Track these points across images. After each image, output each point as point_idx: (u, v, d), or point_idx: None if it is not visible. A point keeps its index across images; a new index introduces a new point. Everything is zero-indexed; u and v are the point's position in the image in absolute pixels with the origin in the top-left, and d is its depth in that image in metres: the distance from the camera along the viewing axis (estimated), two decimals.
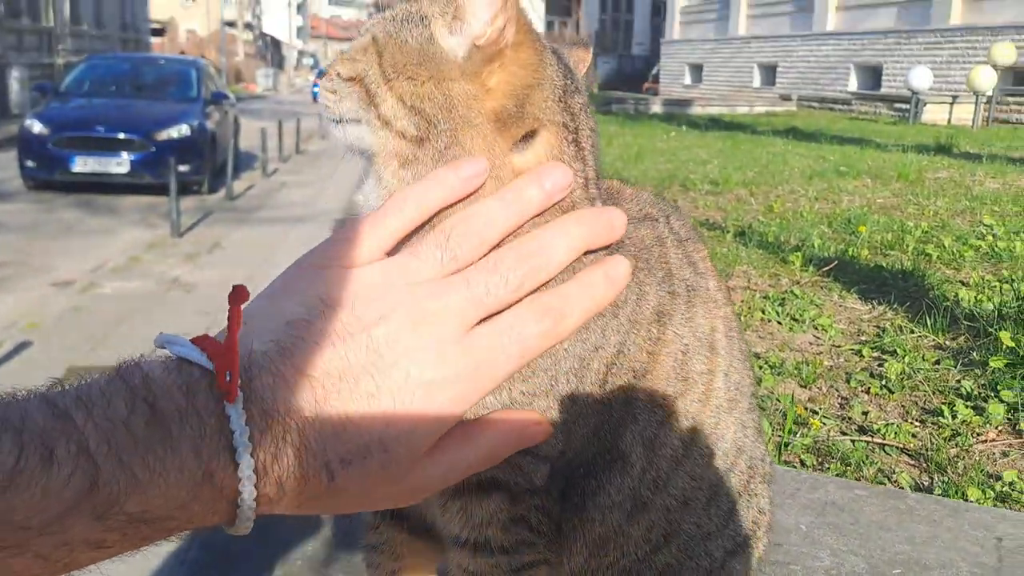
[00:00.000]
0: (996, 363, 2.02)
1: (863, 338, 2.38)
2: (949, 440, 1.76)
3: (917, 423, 1.86)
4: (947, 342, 2.28)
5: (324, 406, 0.56)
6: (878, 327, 2.47)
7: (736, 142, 8.70)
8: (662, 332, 0.70)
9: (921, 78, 12.69)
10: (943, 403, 1.91)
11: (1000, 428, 1.81)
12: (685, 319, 0.70)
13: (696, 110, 15.22)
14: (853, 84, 16.68)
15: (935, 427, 1.82)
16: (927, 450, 1.71)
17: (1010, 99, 12.90)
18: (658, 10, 25.75)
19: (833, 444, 1.75)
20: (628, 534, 0.72)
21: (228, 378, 0.53)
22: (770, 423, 1.83)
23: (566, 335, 0.63)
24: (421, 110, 0.62)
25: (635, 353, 0.67)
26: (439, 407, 0.60)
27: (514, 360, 0.62)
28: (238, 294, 0.60)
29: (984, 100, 12.04)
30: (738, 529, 0.77)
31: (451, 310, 0.60)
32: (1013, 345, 2.05)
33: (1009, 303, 2.31)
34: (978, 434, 1.79)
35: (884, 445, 1.77)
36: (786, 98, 16.97)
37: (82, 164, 7.60)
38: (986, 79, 11.68)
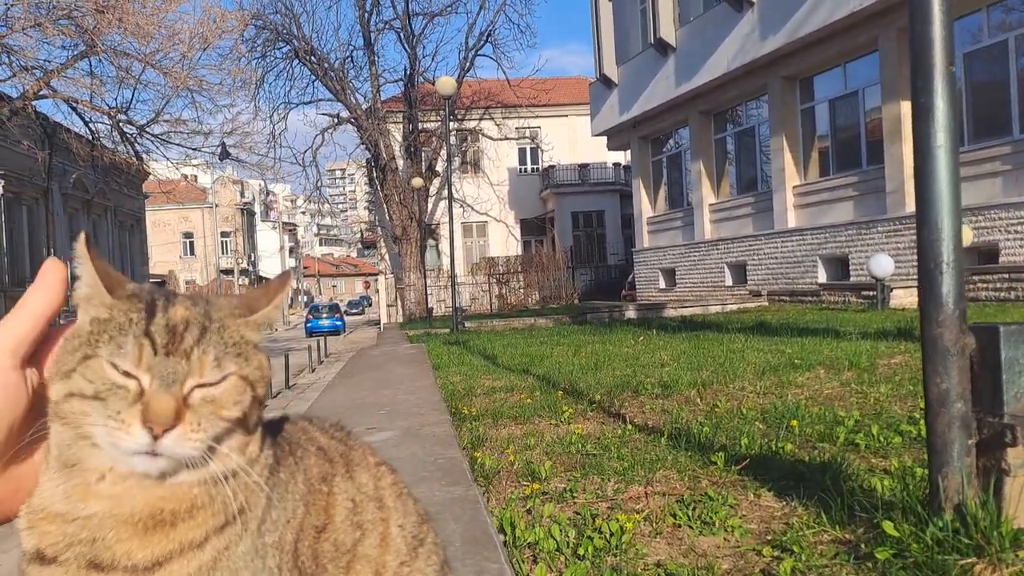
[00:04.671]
0: (882, 555, 2.03)
1: (768, 537, 2.40)
2: None
3: None
4: (847, 535, 2.30)
5: None
6: (786, 523, 2.49)
7: (699, 342, 8.97)
8: (330, 489, 0.85)
9: (881, 266, 13.28)
10: None
11: None
12: (346, 477, 0.88)
13: (669, 312, 15.78)
14: (822, 276, 17.32)
15: None
16: None
17: (975, 278, 13.36)
18: (628, 222, 27.46)
19: None
20: None
21: None
22: None
23: None
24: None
25: (316, 513, 0.82)
26: None
27: None
28: None
29: None
30: None
31: None
32: (897, 535, 2.08)
33: (897, 489, 2.36)
34: None
35: None
36: (757, 294, 17.62)
37: None
38: None
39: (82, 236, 0.78)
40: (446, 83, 15.00)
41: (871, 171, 16.05)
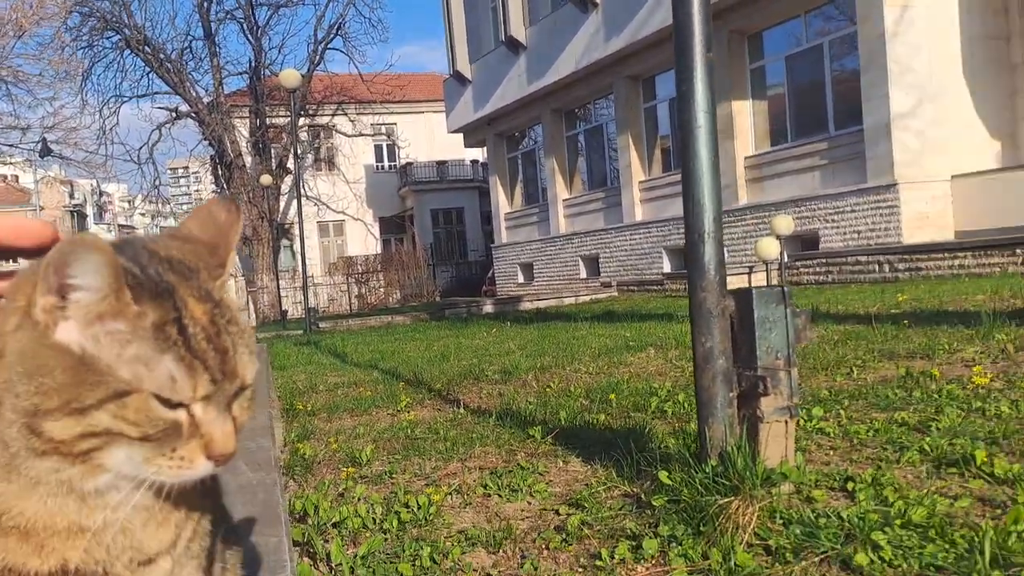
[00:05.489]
0: (658, 502, 2.21)
1: (568, 497, 2.54)
2: None
3: (580, 569, 1.98)
4: (634, 489, 2.48)
5: None
6: (586, 484, 2.64)
7: (547, 332, 9.25)
8: None
9: None
10: (609, 547, 2.05)
11: (652, 561, 1.96)
12: None
13: (526, 305, 16.15)
14: (667, 266, 18.25)
15: (595, 570, 1.95)
16: None
17: (799, 264, 14.45)
18: (488, 219, 27.80)
19: None
20: None
21: None
22: None
23: None
24: None
25: None
26: None
27: None
28: None
29: (775, 267, 13.49)
30: None
31: None
32: (671, 483, 2.27)
33: (680, 445, 2.57)
34: (631, 570, 1.92)
35: None
36: (608, 285, 18.35)
37: None
38: (770, 248, 13.19)
39: (85, 238, 0.58)
40: (290, 76, 14.58)
41: None
